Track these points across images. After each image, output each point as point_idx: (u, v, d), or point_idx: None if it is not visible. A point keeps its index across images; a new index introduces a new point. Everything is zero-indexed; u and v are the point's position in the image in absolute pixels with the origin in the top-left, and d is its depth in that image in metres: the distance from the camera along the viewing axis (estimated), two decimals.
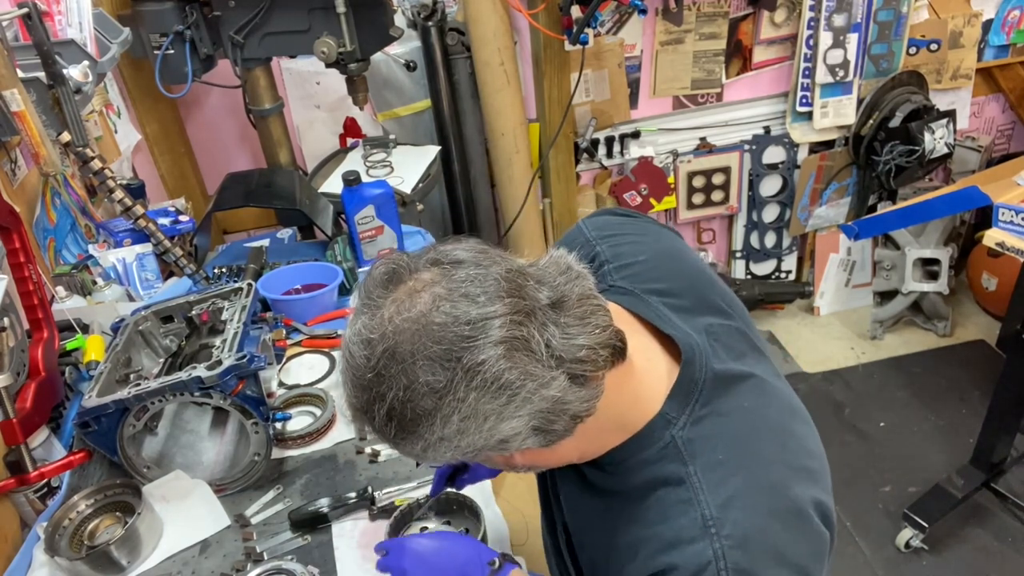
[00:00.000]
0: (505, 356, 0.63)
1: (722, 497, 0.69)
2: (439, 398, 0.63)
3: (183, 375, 1.17)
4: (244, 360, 1.18)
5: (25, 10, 1.39)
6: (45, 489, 1.24)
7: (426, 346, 0.63)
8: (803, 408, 0.84)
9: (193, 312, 1.44)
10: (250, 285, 1.47)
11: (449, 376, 0.63)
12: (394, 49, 2.42)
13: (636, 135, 2.86)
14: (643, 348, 0.77)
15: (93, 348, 1.36)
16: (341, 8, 1.84)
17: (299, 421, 1.41)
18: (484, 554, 0.92)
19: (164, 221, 1.85)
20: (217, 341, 1.30)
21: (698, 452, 0.72)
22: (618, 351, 0.70)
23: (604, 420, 0.72)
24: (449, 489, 1.16)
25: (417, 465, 1.26)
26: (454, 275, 0.66)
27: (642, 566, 0.71)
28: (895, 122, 2.79)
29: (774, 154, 3.01)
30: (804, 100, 2.87)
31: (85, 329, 1.43)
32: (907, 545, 2.28)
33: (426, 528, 1.19)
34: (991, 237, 1.90)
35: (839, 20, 2.71)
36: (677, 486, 0.71)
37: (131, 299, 1.61)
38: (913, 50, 2.86)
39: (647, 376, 0.75)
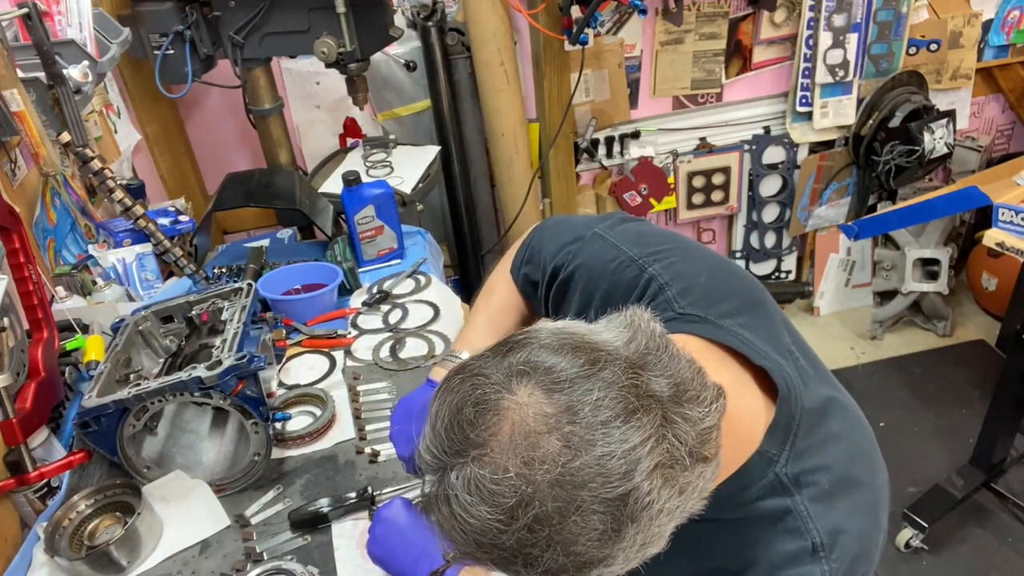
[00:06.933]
0: (662, 479, 0.58)
1: (831, 524, 0.73)
2: (609, 543, 0.57)
3: (183, 375, 1.17)
4: (244, 360, 1.18)
5: (25, 10, 1.39)
6: (45, 489, 1.24)
7: (579, 498, 0.56)
8: (866, 421, 0.85)
9: (193, 312, 1.44)
10: (250, 285, 1.46)
11: (614, 517, 0.57)
12: (394, 49, 2.42)
13: (636, 135, 2.86)
14: (734, 382, 0.73)
15: (93, 348, 1.36)
16: (341, 8, 1.83)
17: (299, 421, 1.40)
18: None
19: (164, 221, 1.85)
20: (217, 341, 1.30)
21: (803, 484, 0.74)
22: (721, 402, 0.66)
23: None
24: None
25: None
26: (565, 398, 0.57)
27: None
28: (895, 122, 2.79)
29: (774, 154, 3.01)
30: (804, 100, 2.87)
31: (85, 329, 1.43)
32: (907, 545, 2.28)
33: None
34: (991, 237, 1.90)
35: (839, 20, 2.71)
36: (784, 516, 0.73)
37: (131, 299, 1.61)
38: (913, 50, 2.86)
39: (742, 413, 0.72)
